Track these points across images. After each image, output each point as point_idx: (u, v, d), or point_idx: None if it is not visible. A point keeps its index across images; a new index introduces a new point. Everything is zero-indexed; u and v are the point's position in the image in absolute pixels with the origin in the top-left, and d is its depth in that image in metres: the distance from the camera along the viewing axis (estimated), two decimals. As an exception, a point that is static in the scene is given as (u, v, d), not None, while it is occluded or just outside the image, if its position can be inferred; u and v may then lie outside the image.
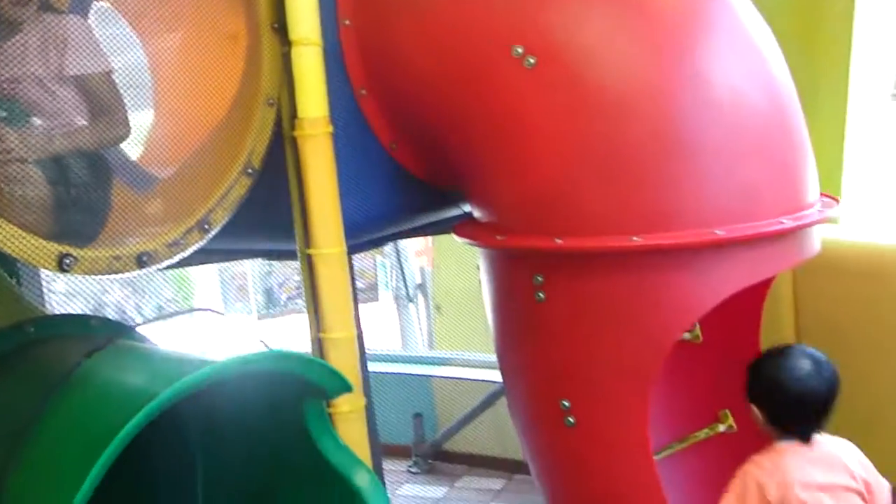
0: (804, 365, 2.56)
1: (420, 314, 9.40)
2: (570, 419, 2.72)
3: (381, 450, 5.23)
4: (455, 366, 5.92)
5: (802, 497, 2.46)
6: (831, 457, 2.56)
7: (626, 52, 2.57)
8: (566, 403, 2.71)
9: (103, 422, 1.97)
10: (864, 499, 2.55)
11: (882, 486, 2.60)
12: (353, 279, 3.92)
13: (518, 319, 2.85)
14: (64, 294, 5.44)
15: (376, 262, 11.12)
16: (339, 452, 2.51)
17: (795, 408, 2.55)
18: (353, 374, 2.70)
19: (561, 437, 2.80)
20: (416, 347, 9.24)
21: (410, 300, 9.76)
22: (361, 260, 11.14)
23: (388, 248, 9.17)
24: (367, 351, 5.76)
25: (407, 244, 8.73)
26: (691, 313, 2.61)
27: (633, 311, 2.57)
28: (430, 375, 5.89)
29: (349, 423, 2.70)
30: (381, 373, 5.64)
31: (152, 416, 1.93)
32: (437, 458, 5.63)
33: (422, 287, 9.24)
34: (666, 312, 2.56)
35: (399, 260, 9.59)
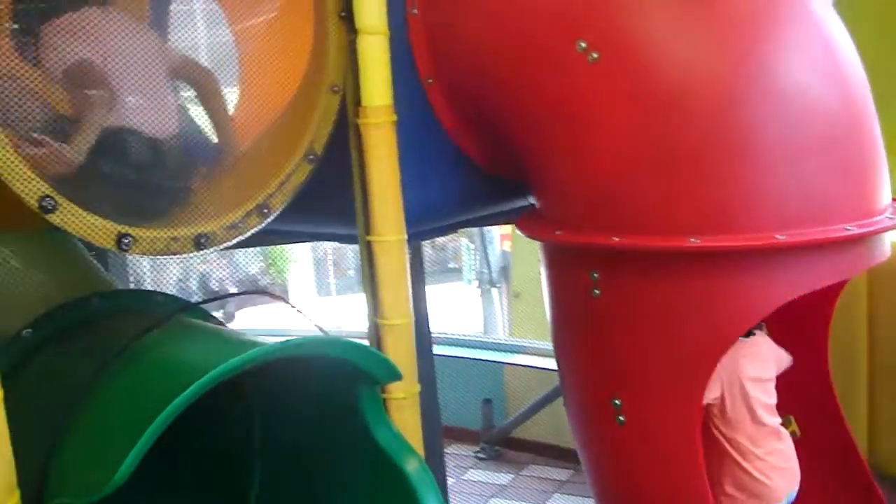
0: None
1: (503, 298, 9.42)
2: (621, 418, 2.70)
3: (448, 433, 5.27)
4: (528, 354, 5.93)
5: (747, 387, 2.92)
6: (766, 353, 3.04)
7: (690, 47, 2.51)
8: (617, 402, 2.69)
9: (150, 399, 2.01)
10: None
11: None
12: (420, 265, 3.97)
13: (573, 315, 2.84)
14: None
15: (462, 245, 11.18)
16: (391, 438, 2.52)
17: None
18: (408, 361, 2.73)
19: (611, 436, 2.78)
20: (498, 331, 9.26)
21: (493, 284, 9.79)
22: (456, 240, 11.23)
23: (475, 230, 9.20)
24: (441, 334, 5.80)
25: (493, 227, 8.74)
26: (747, 318, 2.57)
27: (688, 313, 2.53)
28: (502, 362, 5.90)
29: (403, 409, 2.72)
30: (452, 357, 5.67)
31: (193, 399, 1.96)
32: (504, 445, 5.65)
33: (505, 270, 9.25)
34: (721, 315, 2.52)
35: (483, 243, 9.61)
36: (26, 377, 2.51)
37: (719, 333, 2.55)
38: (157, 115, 2.45)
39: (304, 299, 14.23)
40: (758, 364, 2.98)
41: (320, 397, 2.56)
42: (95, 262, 3.06)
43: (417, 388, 2.80)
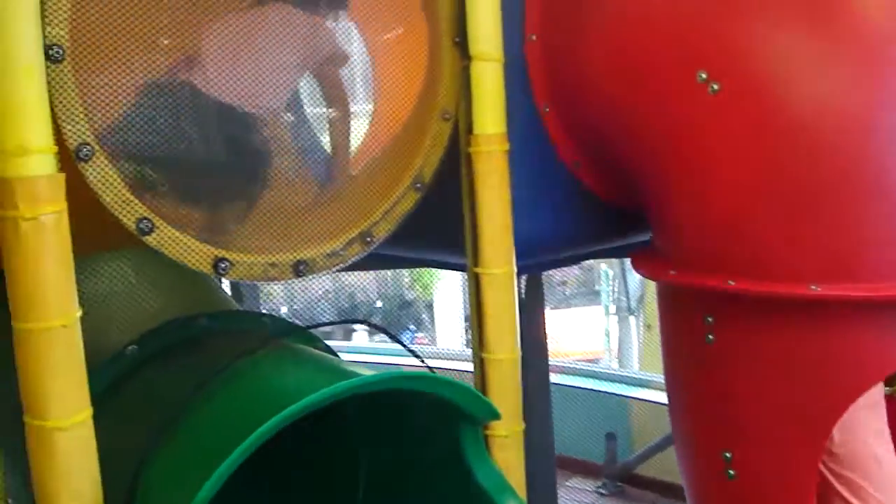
0: None
1: (641, 327, 9.24)
2: (731, 472, 2.55)
3: (571, 466, 5.15)
4: (656, 388, 5.75)
5: (861, 417, 2.58)
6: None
7: (821, 75, 2.35)
8: (728, 455, 2.54)
9: (238, 424, 1.99)
10: None
11: None
12: (540, 295, 3.88)
13: (686, 359, 2.70)
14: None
15: (600, 271, 11.00)
16: (490, 476, 2.45)
17: None
18: (511, 398, 2.65)
19: (719, 490, 2.63)
20: (632, 361, 9.06)
21: (631, 312, 9.59)
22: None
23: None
24: (563, 363, 5.69)
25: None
26: (873, 373, 2.39)
27: (807, 365, 2.37)
28: (628, 396, 5.75)
29: (505, 448, 2.65)
30: (578, 388, 5.56)
31: (277, 428, 1.93)
32: (627, 482, 5.49)
33: (643, 299, 9.08)
34: (845, 369, 2.35)
35: (622, 269, 9.43)
36: (127, 394, 2.54)
37: (841, 388, 2.38)
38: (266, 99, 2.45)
39: (448, 317, 14.22)
40: (873, 390, 2.73)
41: (423, 425, 2.51)
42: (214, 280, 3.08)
43: (521, 426, 2.71)
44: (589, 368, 6.43)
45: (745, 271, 2.38)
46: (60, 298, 1.91)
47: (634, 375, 6.25)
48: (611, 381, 6.11)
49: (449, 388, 2.27)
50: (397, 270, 12.41)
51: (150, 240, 2.11)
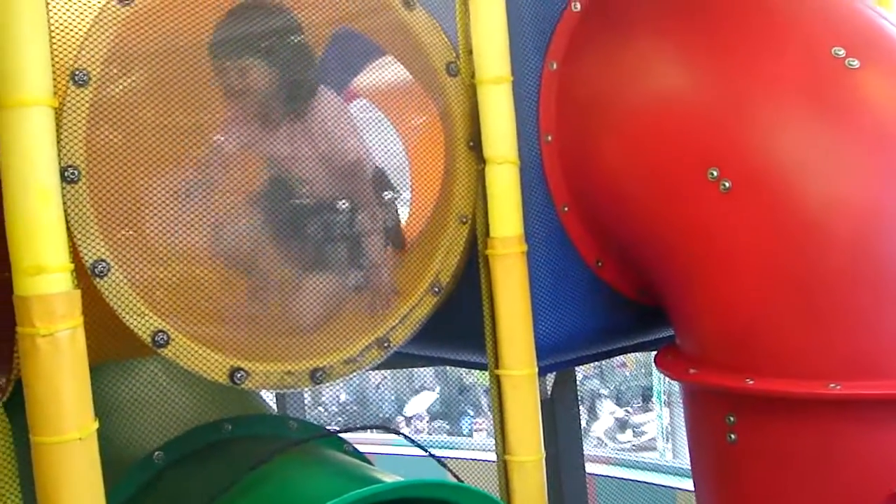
0: None
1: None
2: (760, 582, 2.47)
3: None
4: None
5: None
6: None
7: (832, 172, 2.34)
8: (751, 561, 2.48)
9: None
10: None
11: None
12: (573, 391, 3.85)
13: (709, 458, 2.64)
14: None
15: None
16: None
17: None
18: (535, 500, 2.63)
19: None
20: (685, 450, 8.87)
21: (683, 398, 9.40)
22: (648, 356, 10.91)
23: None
24: (615, 456, 5.60)
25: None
26: (897, 473, 2.31)
27: (831, 465, 2.30)
28: (673, 487, 5.63)
29: (531, 550, 2.61)
30: (620, 478, 5.47)
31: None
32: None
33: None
34: (871, 468, 2.27)
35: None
36: (152, 500, 2.55)
37: (868, 488, 2.30)
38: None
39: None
40: None
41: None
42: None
43: (549, 528, 2.68)
44: (634, 459, 6.32)
45: (764, 370, 2.34)
46: (76, 412, 1.94)
47: (679, 466, 6.13)
48: (658, 471, 6.00)
49: (463, 495, 2.25)
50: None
51: (166, 352, 2.15)
